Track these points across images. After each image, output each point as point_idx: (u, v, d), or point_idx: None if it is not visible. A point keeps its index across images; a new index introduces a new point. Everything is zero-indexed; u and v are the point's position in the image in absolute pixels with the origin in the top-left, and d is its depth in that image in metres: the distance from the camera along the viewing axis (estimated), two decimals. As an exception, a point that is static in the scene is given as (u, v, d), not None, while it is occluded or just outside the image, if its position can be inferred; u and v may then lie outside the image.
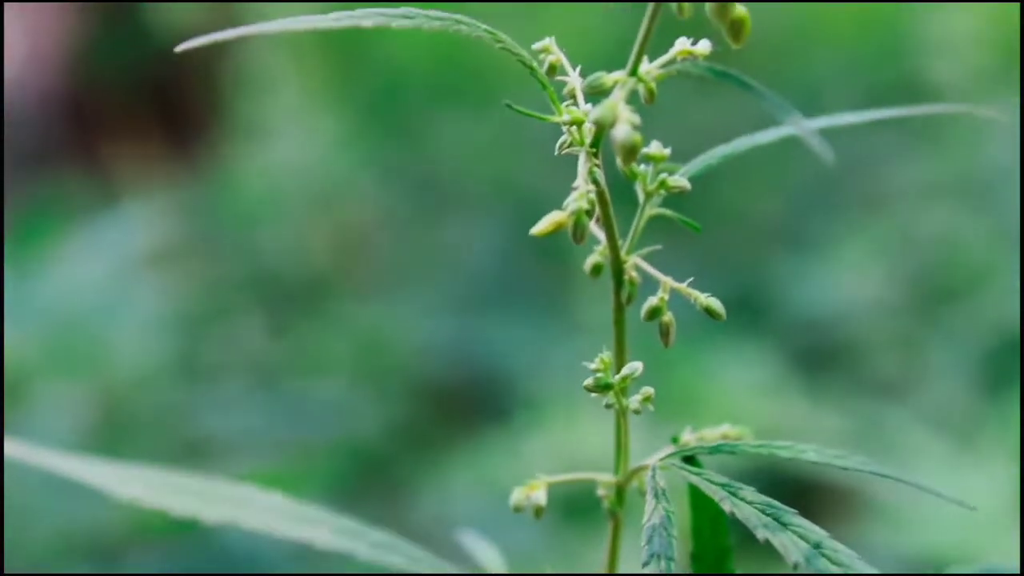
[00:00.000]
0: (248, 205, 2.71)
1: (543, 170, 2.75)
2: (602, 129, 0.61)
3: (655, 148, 0.69)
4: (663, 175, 0.69)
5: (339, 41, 3.43)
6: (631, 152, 0.59)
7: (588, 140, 0.64)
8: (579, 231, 0.62)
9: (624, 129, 0.58)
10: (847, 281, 2.26)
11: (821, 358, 2.21)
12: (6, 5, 3.27)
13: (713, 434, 0.74)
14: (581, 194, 0.62)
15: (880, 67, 3.27)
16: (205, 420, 2.05)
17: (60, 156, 3.35)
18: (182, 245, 2.51)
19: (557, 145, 0.65)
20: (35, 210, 2.45)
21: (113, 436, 1.91)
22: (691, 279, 0.68)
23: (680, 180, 0.69)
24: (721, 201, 2.64)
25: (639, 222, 0.69)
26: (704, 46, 0.65)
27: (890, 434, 1.83)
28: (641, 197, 0.69)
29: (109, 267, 2.16)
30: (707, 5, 0.61)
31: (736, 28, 0.61)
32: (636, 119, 0.59)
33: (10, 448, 0.82)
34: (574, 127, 0.65)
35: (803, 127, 0.59)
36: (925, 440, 1.68)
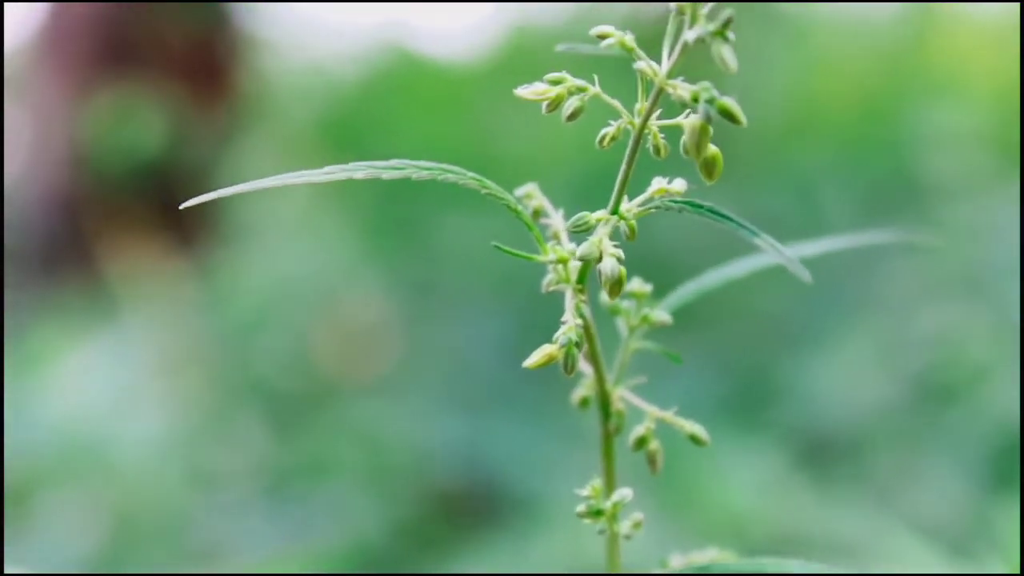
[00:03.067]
0: (251, 308, 2.72)
1: (545, 269, 2.77)
2: (588, 265, 0.64)
3: (637, 285, 0.72)
4: (645, 310, 0.72)
5: (341, 141, 3.46)
6: (617, 284, 0.62)
7: (574, 277, 0.67)
8: (569, 363, 0.65)
9: (610, 263, 0.62)
10: (848, 379, 2.27)
11: (823, 455, 2.22)
12: (16, 112, 3.31)
13: (701, 557, 0.76)
14: (570, 328, 0.65)
15: (876, 160, 3.30)
16: (212, 526, 2.06)
17: (61, 257, 3.37)
18: (185, 351, 2.52)
19: (544, 283, 0.68)
20: (39, 320, 2.47)
21: (121, 544, 1.92)
22: (675, 408, 0.71)
23: (662, 315, 0.72)
24: (725, 300, 2.66)
25: (624, 355, 0.72)
26: (680, 185, 0.67)
27: (886, 538, 1.84)
28: (625, 332, 0.71)
29: (114, 379, 2.18)
30: (682, 145, 0.63)
31: (709, 166, 0.64)
32: (620, 254, 0.61)
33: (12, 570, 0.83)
34: (560, 265, 0.67)
35: (778, 253, 0.62)
36: (919, 547, 1.69)
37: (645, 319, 0.72)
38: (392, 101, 4.41)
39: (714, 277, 0.76)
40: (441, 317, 2.75)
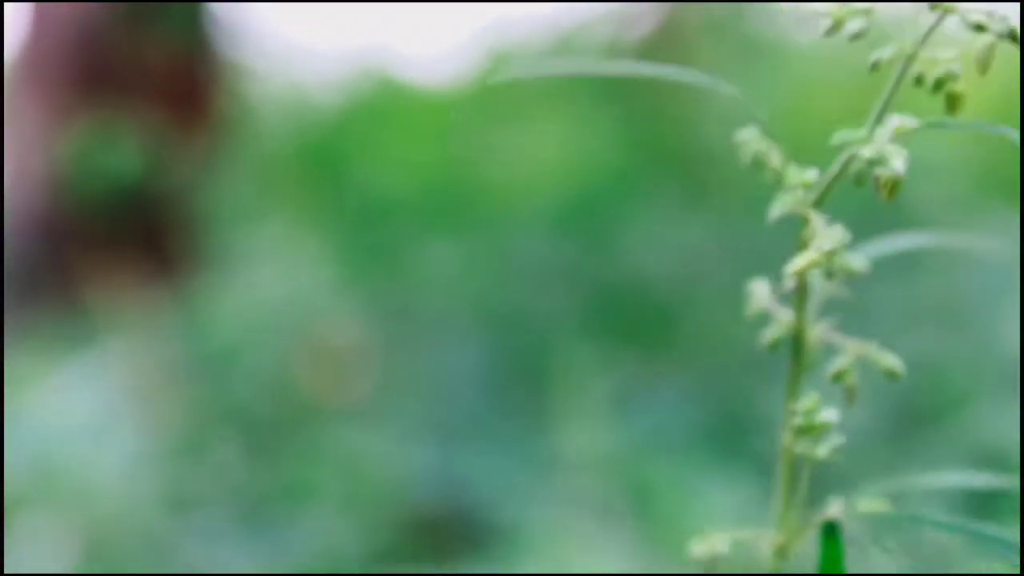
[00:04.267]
0: (228, 332, 2.72)
1: (526, 294, 2.77)
2: (832, 186, 0.65)
3: (835, 233, 0.73)
4: (842, 258, 0.73)
5: (320, 166, 3.46)
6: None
7: (812, 203, 0.68)
8: (832, 268, 0.69)
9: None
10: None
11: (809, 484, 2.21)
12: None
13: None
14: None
15: (861, 189, 3.30)
16: (187, 550, 2.05)
17: (39, 282, 3.36)
18: (162, 375, 2.52)
19: (773, 209, 0.69)
20: (17, 345, 2.46)
21: (95, 568, 1.90)
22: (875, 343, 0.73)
23: (858, 262, 0.73)
24: (705, 326, 2.66)
25: (815, 302, 0.74)
26: (914, 122, 0.68)
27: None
28: (819, 278, 0.73)
29: (90, 403, 2.17)
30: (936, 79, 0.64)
31: (955, 101, 0.65)
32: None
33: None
34: (801, 189, 0.68)
35: None
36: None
37: (843, 267, 0.73)
38: (373, 127, 4.41)
39: (906, 241, 0.78)
40: (419, 343, 2.75)
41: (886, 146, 0.66)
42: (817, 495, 2.12)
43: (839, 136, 0.67)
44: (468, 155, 3.80)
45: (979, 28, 0.65)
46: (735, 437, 2.32)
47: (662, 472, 2.12)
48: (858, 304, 2.46)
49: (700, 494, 2.08)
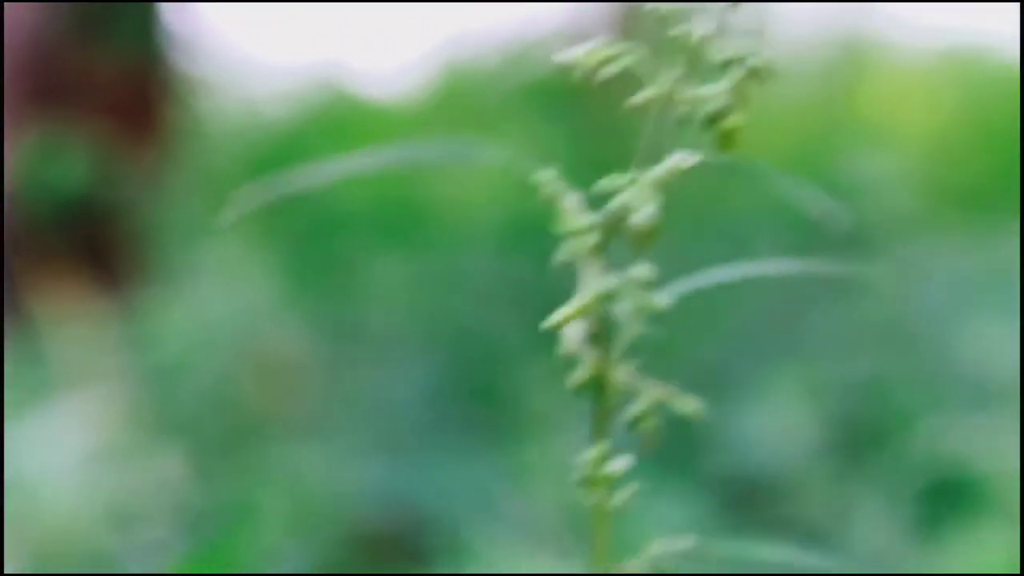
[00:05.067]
0: (174, 348, 2.70)
1: (475, 310, 2.77)
2: (610, 233, 0.64)
3: (640, 270, 0.72)
4: (646, 296, 0.72)
5: (269, 181, 3.44)
6: (649, 236, 0.62)
7: (593, 247, 0.67)
8: (594, 323, 0.67)
9: (648, 210, 0.62)
10: (776, 424, 2.27)
11: (750, 501, 2.22)
12: None
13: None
14: (593, 290, 0.65)
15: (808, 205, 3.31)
16: (130, 566, 2.03)
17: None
18: (107, 390, 2.50)
19: (558, 254, 0.68)
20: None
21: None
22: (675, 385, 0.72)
23: (664, 301, 0.72)
24: (655, 342, 2.65)
25: (622, 342, 0.72)
26: (695, 159, 0.68)
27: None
28: (624, 317, 0.72)
29: (33, 417, 2.15)
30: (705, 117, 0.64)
31: (729, 136, 0.64)
32: (657, 202, 0.62)
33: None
34: (579, 236, 0.67)
35: (824, 209, 0.62)
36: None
37: (646, 304, 0.72)
38: (325, 141, 4.41)
39: (727, 272, 0.76)
40: (368, 359, 2.74)
41: (636, 195, 0.65)
42: (761, 511, 2.12)
43: (605, 183, 0.67)
44: (420, 171, 3.79)
45: (726, 65, 0.64)
46: (686, 454, 2.31)
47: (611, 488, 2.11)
48: (806, 321, 2.48)
49: (649, 511, 2.08)
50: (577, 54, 0.67)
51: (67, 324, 2.84)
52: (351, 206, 3.32)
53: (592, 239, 0.67)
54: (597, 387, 0.70)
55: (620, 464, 0.70)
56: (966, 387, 2.20)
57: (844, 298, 2.72)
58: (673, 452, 2.33)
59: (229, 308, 2.80)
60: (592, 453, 0.70)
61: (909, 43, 4.94)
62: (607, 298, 0.70)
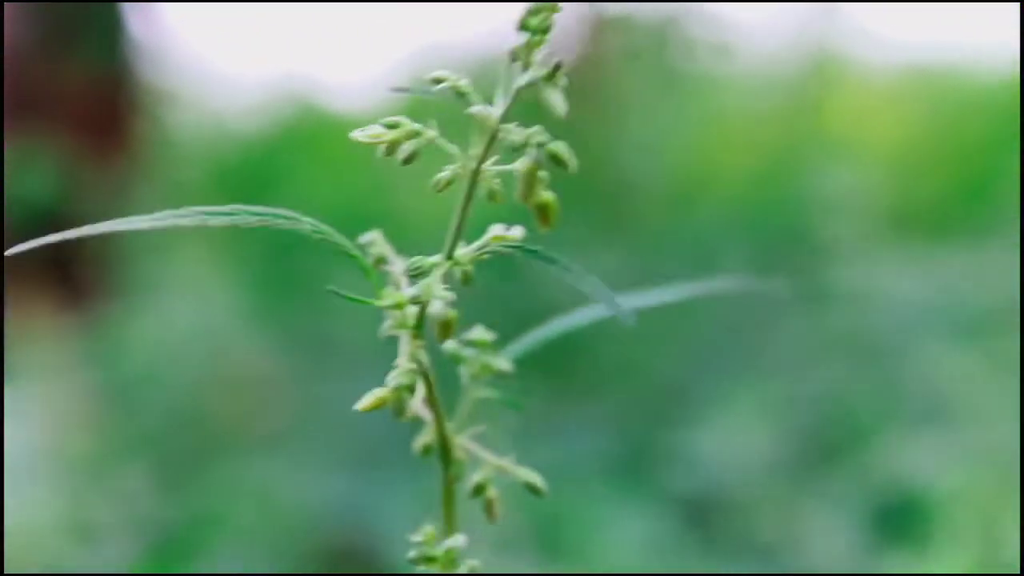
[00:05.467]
0: (141, 362, 2.71)
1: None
2: (424, 310, 0.65)
3: (479, 333, 0.73)
4: (487, 358, 0.73)
5: (239, 194, 3.45)
6: (446, 327, 0.63)
7: (411, 322, 0.68)
8: (400, 407, 0.66)
9: (438, 304, 0.63)
10: (734, 440, 2.29)
11: (709, 516, 2.23)
12: None
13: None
14: (402, 371, 0.66)
15: (771, 221, 3.33)
16: (92, 581, 2.04)
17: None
18: (73, 405, 2.50)
19: (381, 329, 0.69)
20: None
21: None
22: (512, 455, 0.72)
23: (502, 363, 0.73)
24: (612, 361, 2.67)
25: (465, 404, 0.73)
26: (517, 231, 0.69)
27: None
28: (466, 379, 0.73)
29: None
30: (516, 192, 0.65)
31: (542, 211, 0.65)
32: (450, 296, 0.63)
33: None
34: (396, 310, 0.68)
35: (609, 302, 0.63)
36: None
37: (486, 367, 0.74)
38: (294, 154, 4.41)
39: (558, 325, 0.78)
40: (331, 373, 2.75)
41: (432, 286, 0.66)
42: (720, 526, 2.13)
43: (411, 263, 0.68)
44: (389, 183, 3.80)
45: (517, 150, 0.65)
46: (643, 469, 2.33)
47: (569, 504, 2.13)
48: (766, 337, 2.50)
49: (606, 526, 2.09)
50: (372, 132, 0.68)
51: (33, 338, 2.85)
52: (321, 219, 3.32)
53: (411, 312, 0.68)
54: (440, 453, 0.72)
55: (456, 542, 0.71)
56: (921, 404, 2.22)
57: (803, 314, 2.73)
58: (633, 468, 2.34)
59: (195, 322, 2.80)
60: (426, 531, 0.71)
61: (876, 58, 4.96)
62: (454, 360, 0.71)
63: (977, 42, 5.13)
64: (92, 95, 3.53)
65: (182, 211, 0.65)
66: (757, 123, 4.47)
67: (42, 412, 2.39)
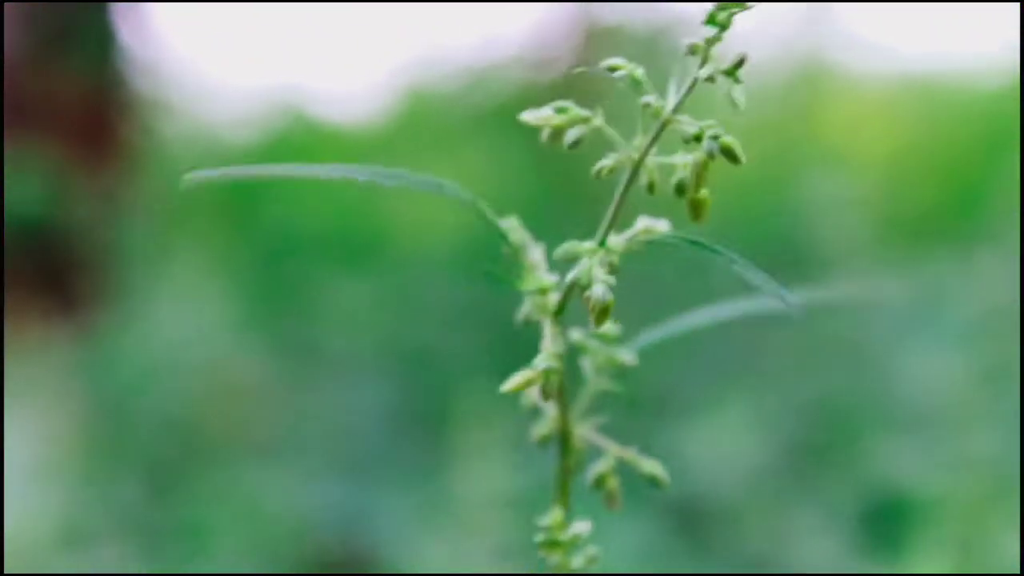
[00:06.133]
0: (132, 371, 2.71)
1: (431, 333, 2.78)
2: (567, 297, 0.65)
3: (605, 327, 0.73)
4: (611, 351, 0.73)
5: (230, 203, 3.45)
6: (604, 311, 0.63)
7: (552, 307, 0.68)
8: (548, 389, 0.66)
9: (600, 288, 0.63)
10: (726, 446, 2.29)
11: (700, 523, 2.23)
12: None
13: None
14: (550, 354, 0.66)
15: (764, 229, 3.34)
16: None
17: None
18: (64, 413, 2.50)
19: (520, 313, 0.69)
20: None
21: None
22: (635, 446, 0.73)
23: (628, 356, 0.73)
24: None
25: (586, 395, 0.73)
26: (664, 225, 0.69)
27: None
28: (590, 371, 0.73)
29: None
30: (675, 184, 0.65)
31: (698, 206, 0.66)
32: (611, 280, 0.63)
33: None
34: (540, 295, 0.68)
35: (776, 293, 0.63)
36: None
37: (610, 359, 0.74)
38: (284, 164, 4.40)
39: (683, 322, 0.78)
40: (324, 382, 2.75)
41: (592, 270, 0.66)
42: (711, 532, 2.14)
43: (566, 248, 0.68)
44: (378, 193, 3.81)
45: (695, 140, 0.66)
46: (634, 476, 2.33)
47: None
48: (757, 344, 2.50)
49: (601, 535, 2.09)
50: (543, 116, 0.68)
51: (25, 346, 2.85)
52: (309, 229, 3.33)
53: (552, 299, 0.68)
54: (559, 443, 0.72)
55: (581, 528, 0.72)
56: (910, 411, 2.22)
57: (795, 321, 2.74)
58: (626, 473, 2.35)
59: (187, 330, 2.80)
60: (554, 517, 0.71)
61: (867, 66, 4.97)
62: (573, 353, 0.71)
63: (969, 51, 5.15)
64: (83, 104, 3.53)
65: (351, 167, 0.66)
66: (749, 132, 4.48)
67: (34, 421, 2.39)
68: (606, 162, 0.67)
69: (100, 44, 3.58)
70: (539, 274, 0.70)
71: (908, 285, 2.81)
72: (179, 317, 2.83)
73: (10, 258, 3.27)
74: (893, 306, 2.63)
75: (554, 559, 0.71)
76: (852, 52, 4.86)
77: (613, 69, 0.67)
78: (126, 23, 3.73)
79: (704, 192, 0.66)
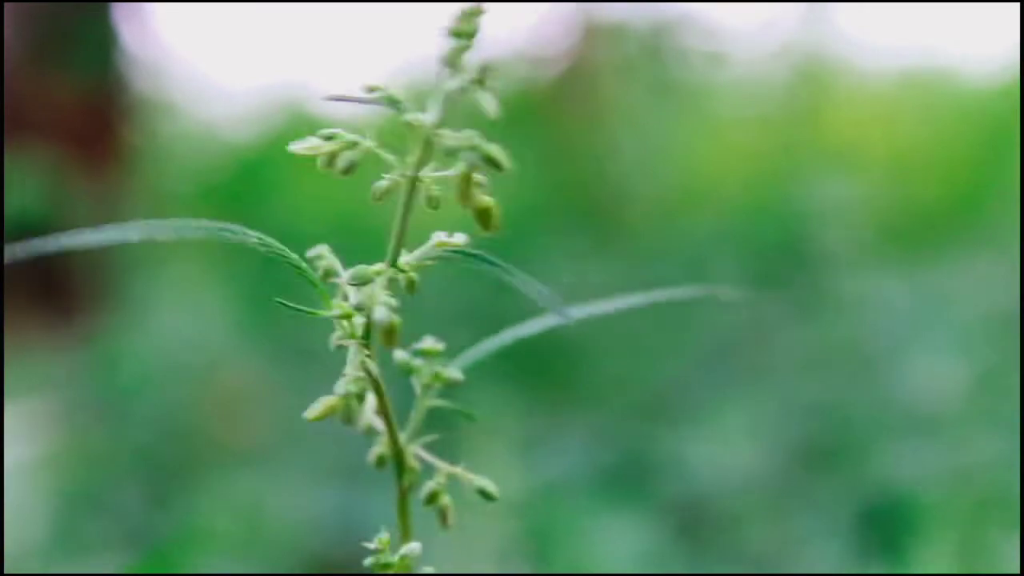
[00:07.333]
0: (130, 376, 2.71)
1: (433, 335, 2.77)
2: (370, 318, 0.65)
3: (429, 343, 0.73)
4: (438, 368, 0.73)
5: (230, 205, 3.45)
6: (390, 333, 0.63)
7: (359, 332, 0.68)
8: (349, 415, 0.66)
9: (381, 311, 0.63)
10: (728, 449, 2.29)
11: (702, 526, 2.23)
12: None
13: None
14: (351, 379, 0.66)
15: (767, 231, 3.33)
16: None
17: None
18: (63, 419, 2.50)
19: (331, 339, 0.69)
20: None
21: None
22: (464, 464, 0.73)
23: (454, 373, 0.73)
24: (608, 369, 2.66)
25: (417, 413, 0.73)
26: (460, 237, 0.69)
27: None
28: (418, 389, 0.73)
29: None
30: (454, 195, 0.65)
31: (483, 216, 0.65)
32: (393, 302, 0.63)
33: None
34: (344, 320, 0.68)
35: (553, 306, 0.63)
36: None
37: (437, 376, 0.74)
38: (286, 164, 4.41)
39: (510, 334, 0.78)
40: (320, 386, 2.74)
41: (374, 293, 0.66)
42: (712, 536, 2.13)
43: (354, 272, 0.67)
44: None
45: (451, 154, 0.65)
46: (640, 481, 2.33)
47: (565, 516, 2.13)
48: (760, 347, 2.49)
49: (602, 538, 2.09)
50: (309, 144, 0.68)
51: (24, 350, 2.84)
52: (311, 229, 3.32)
53: (357, 323, 0.68)
54: (396, 465, 0.72)
55: (411, 550, 0.72)
56: (912, 415, 2.22)
57: (796, 324, 2.73)
58: (627, 477, 2.34)
59: (185, 335, 2.80)
60: (381, 538, 0.71)
61: (869, 64, 4.97)
62: (405, 370, 0.71)
63: (970, 50, 5.14)
64: (83, 106, 3.52)
65: (131, 225, 0.65)
66: (751, 131, 4.48)
67: (32, 426, 2.39)
68: (381, 183, 0.67)
69: (100, 45, 3.57)
70: (341, 300, 0.70)
71: (911, 286, 2.81)
72: (178, 321, 2.83)
73: (9, 262, 3.26)
74: (895, 308, 2.63)
75: None
76: (854, 52, 4.86)
77: (372, 90, 0.67)
78: (127, 24, 3.73)
79: (485, 201, 0.66)
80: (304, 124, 4.87)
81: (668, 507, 2.26)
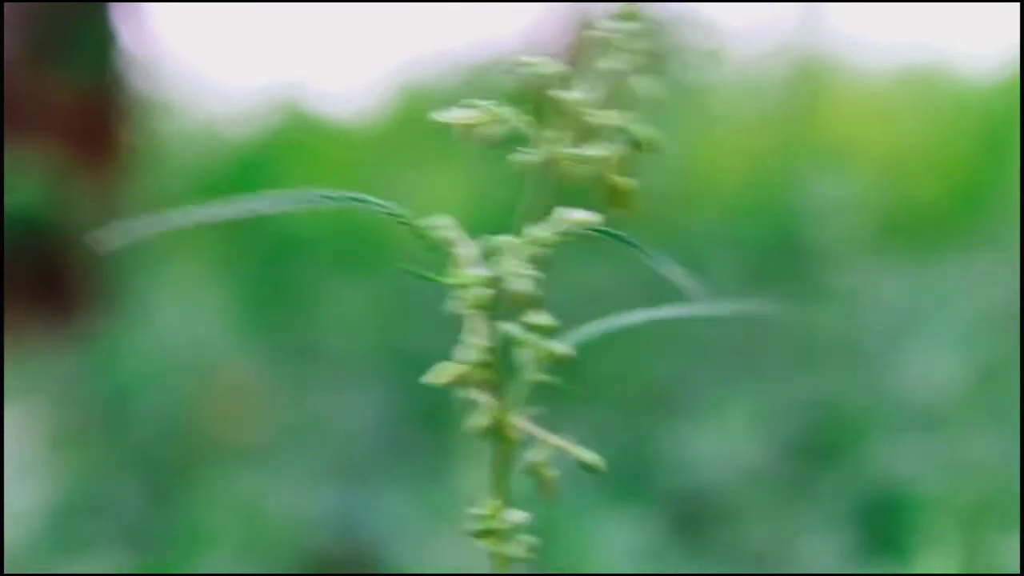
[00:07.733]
0: (130, 374, 2.70)
1: (428, 336, 2.77)
2: (494, 288, 0.65)
3: (542, 318, 0.72)
4: (547, 343, 0.72)
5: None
6: (525, 305, 0.63)
7: (480, 301, 0.67)
8: (473, 381, 0.66)
9: (520, 281, 0.62)
10: (725, 445, 2.29)
11: (700, 522, 2.23)
12: None
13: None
14: (474, 346, 0.65)
15: (764, 228, 3.33)
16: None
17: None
18: (63, 418, 2.50)
19: (449, 306, 0.68)
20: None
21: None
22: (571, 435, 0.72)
23: (565, 349, 0.72)
24: (605, 366, 2.66)
25: (521, 386, 0.72)
26: (590, 216, 0.68)
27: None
28: (525, 363, 0.72)
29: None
30: (596, 176, 0.65)
31: (622, 197, 0.65)
32: (532, 272, 0.63)
33: None
34: (466, 288, 0.68)
35: (691, 288, 0.63)
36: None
37: (547, 352, 0.72)
38: (285, 162, 4.41)
39: (621, 320, 0.77)
40: (323, 383, 2.74)
41: (511, 264, 0.65)
42: (711, 532, 2.14)
43: (487, 243, 0.67)
44: (377, 192, 3.80)
45: (599, 134, 0.65)
46: (639, 477, 2.33)
47: (563, 513, 2.13)
48: (758, 342, 2.49)
49: (601, 535, 2.09)
50: (460, 115, 0.68)
51: (23, 348, 2.84)
52: (306, 232, 3.32)
53: (480, 293, 0.67)
54: (494, 434, 0.71)
55: (516, 516, 0.71)
56: (913, 410, 2.22)
57: (795, 320, 2.73)
58: (625, 473, 2.34)
59: (185, 333, 2.80)
60: (488, 505, 0.70)
61: (867, 62, 4.97)
62: (514, 343, 0.71)
63: (968, 47, 5.14)
64: (81, 106, 3.52)
65: (263, 199, 0.65)
66: (749, 129, 4.47)
67: (32, 426, 2.39)
68: (522, 156, 0.67)
69: (98, 45, 3.57)
70: (465, 269, 0.69)
71: (908, 284, 2.81)
72: (178, 319, 2.83)
73: (9, 260, 3.26)
74: (893, 305, 2.63)
75: (489, 547, 0.70)
76: (851, 50, 4.86)
77: (522, 65, 0.67)
78: (125, 23, 3.73)
79: (627, 182, 0.66)
80: (302, 122, 4.87)
81: (667, 502, 2.26)
